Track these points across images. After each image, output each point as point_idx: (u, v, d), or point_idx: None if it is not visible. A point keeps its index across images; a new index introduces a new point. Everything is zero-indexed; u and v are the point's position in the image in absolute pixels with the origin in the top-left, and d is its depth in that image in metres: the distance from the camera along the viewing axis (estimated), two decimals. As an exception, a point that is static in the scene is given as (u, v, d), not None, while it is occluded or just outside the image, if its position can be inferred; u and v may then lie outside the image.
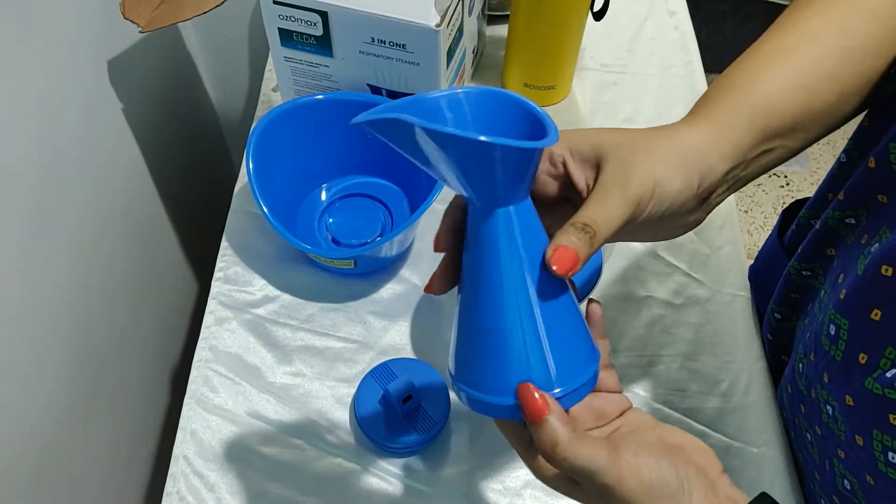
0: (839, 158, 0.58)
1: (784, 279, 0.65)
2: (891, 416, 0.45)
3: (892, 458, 0.45)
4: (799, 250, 0.62)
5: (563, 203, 0.43)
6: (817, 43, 0.46)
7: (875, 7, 0.46)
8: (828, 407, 0.52)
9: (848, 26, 0.46)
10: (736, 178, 0.44)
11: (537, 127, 0.37)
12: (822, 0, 0.47)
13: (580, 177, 0.41)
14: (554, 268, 0.36)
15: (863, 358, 0.48)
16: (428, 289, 0.42)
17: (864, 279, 0.48)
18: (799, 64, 0.45)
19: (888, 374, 0.45)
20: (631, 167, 0.39)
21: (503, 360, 0.39)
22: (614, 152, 0.40)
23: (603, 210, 0.38)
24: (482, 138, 0.33)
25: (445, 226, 0.41)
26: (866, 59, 0.46)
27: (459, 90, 0.39)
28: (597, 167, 0.41)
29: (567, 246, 0.37)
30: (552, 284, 0.38)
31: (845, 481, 0.52)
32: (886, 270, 0.46)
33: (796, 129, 0.45)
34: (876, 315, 0.47)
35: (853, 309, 0.49)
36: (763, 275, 0.75)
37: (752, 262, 0.80)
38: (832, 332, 0.51)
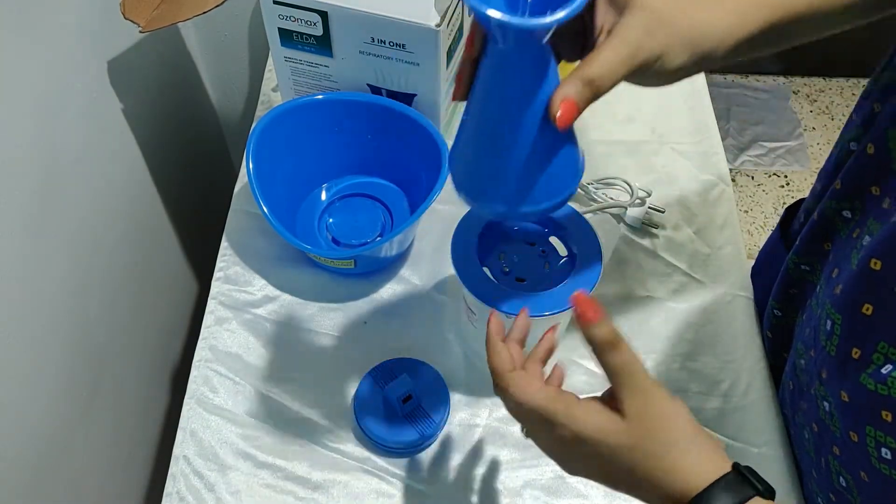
0: (848, 147, 0.56)
1: (783, 274, 0.65)
2: (883, 413, 0.45)
3: (886, 454, 0.45)
4: (797, 242, 0.62)
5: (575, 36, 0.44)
6: None
7: None
8: (824, 403, 0.52)
9: None
10: (732, 58, 0.45)
11: None
12: None
13: (601, 18, 0.42)
14: (558, 116, 0.40)
15: (856, 353, 0.48)
16: (455, 97, 0.46)
17: (856, 273, 0.48)
18: None
19: (883, 371, 0.45)
20: (648, 36, 0.41)
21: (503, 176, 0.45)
22: (642, 10, 0.41)
23: (609, 67, 0.41)
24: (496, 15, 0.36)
25: (466, 62, 0.45)
26: None
27: None
28: (620, 13, 0.41)
29: (572, 98, 0.40)
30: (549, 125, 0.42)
31: (841, 479, 0.52)
32: (875, 264, 0.46)
33: (795, 29, 0.45)
34: (867, 309, 0.47)
35: (846, 304, 0.49)
36: (764, 271, 0.75)
37: (752, 262, 0.80)
38: (828, 328, 0.51)
